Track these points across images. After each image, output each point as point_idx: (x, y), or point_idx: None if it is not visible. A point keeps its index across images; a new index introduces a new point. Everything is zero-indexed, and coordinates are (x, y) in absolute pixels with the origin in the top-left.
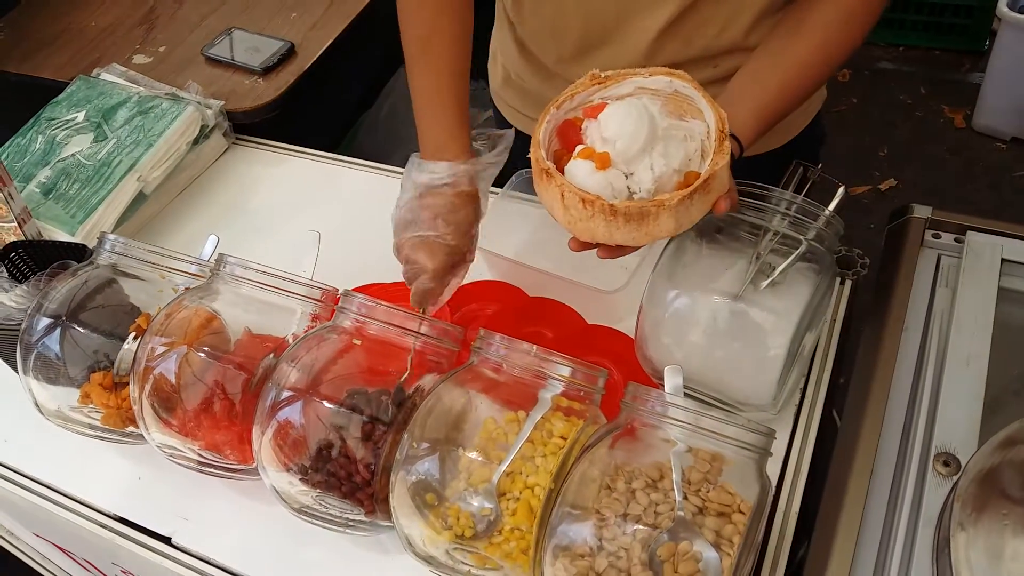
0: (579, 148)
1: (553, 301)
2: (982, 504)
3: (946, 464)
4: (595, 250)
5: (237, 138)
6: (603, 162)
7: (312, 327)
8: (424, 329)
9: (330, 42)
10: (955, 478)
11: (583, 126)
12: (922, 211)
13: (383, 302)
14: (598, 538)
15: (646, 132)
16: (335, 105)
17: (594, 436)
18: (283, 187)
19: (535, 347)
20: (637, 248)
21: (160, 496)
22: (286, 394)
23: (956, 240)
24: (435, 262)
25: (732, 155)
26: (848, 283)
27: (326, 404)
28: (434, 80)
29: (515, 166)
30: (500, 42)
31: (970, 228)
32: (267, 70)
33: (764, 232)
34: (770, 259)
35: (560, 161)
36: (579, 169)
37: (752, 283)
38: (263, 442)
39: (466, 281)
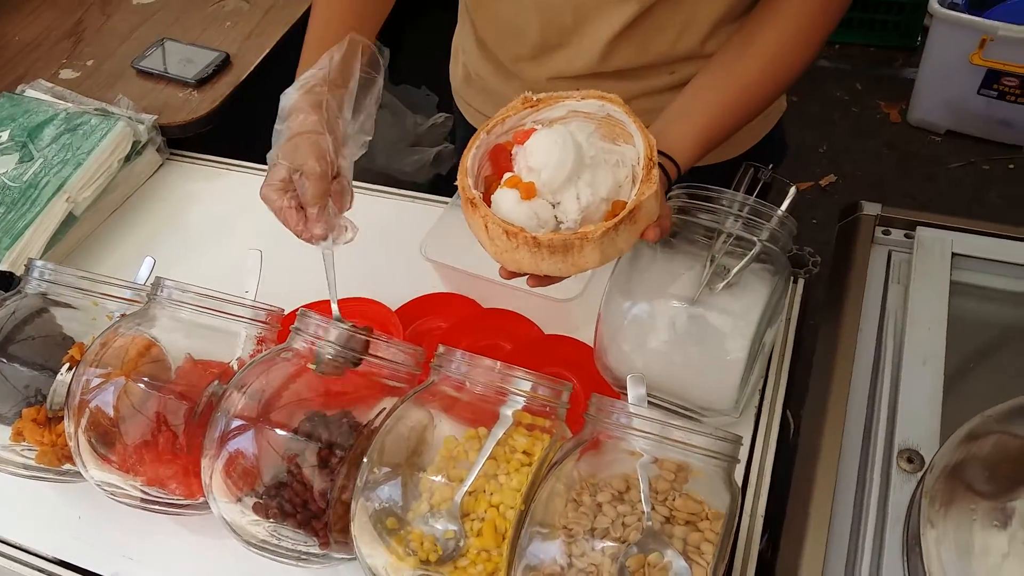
0: (506, 176)
1: (509, 312)
2: (949, 499)
3: (910, 461)
4: (526, 277)
5: (172, 153)
6: (528, 192)
7: (259, 350)
8: (385, 352)
9: (267, 51)
10: (919, 474)
11: (513, 152)
12: (872, 208)
13: (340, 323)
14: (568, 555)
15: (571, 161)
16: (272, 116)
17: (560, 452)
18: (221, 203)
19: (498, 363)
20: (566, 278)
21: (102, 536)
22: (237, 422)
23: (906, 236)
24: (316, 157)
25: (669, 177)
26: (801, 282)
27: (280, 431)
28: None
29: None
30: (462, 40)
31: (920, 223)
32: (201, 82)
33: (717, 235)
34: (725, 261)
35: (491, 187)
36: (505, 199)
37: (708, 286)
38: (213, 473)
39: (418, 294)
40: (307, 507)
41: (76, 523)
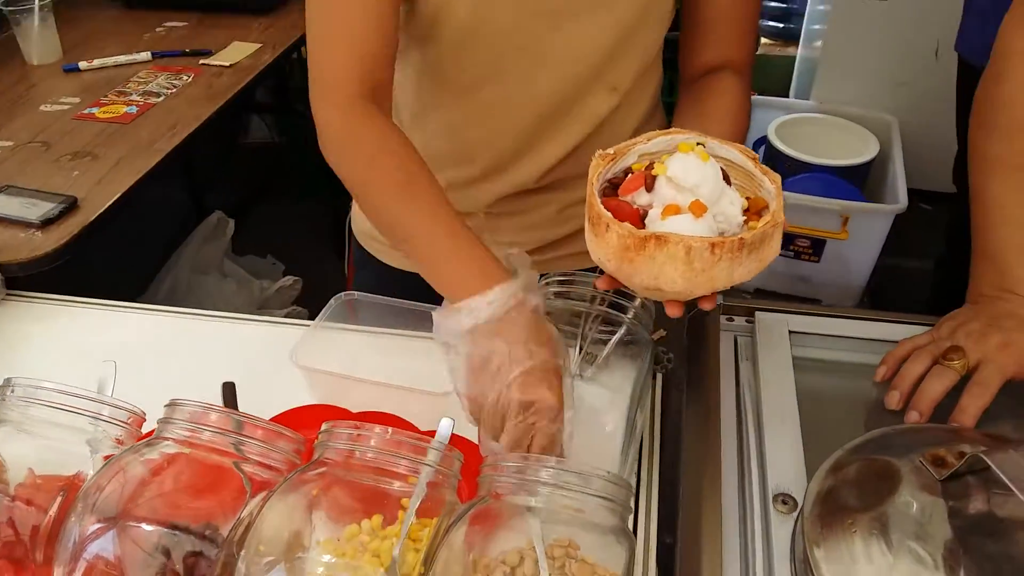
0: (657, 210)
1: (380, 414)
2: (829, 521)
3: (784, 503)
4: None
5: (8, 293)
6: (699, 208)
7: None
8: (256, 435)
9: (119, 195)
10: (795, 513)
11: (630, 199)
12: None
13: (218, 406)
14: None
15: (719, 170)
16: (123, 253)
17: (451, 519)
18: (62, 342)
19: (390, 430)
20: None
21: None
22: (95, 526)
23: (747, 321)
24: (557, 392)
25: None
26: (659, 376)
27: (145, 526)
28: (427, 217)
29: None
30: None
31: (757, 310)
32: (47, 223)
33: (586, 317)
34: (593, 347)
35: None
36: (680, 225)
37: (581, 367)
38: None
39: (284, 408)
40: None
41: None
